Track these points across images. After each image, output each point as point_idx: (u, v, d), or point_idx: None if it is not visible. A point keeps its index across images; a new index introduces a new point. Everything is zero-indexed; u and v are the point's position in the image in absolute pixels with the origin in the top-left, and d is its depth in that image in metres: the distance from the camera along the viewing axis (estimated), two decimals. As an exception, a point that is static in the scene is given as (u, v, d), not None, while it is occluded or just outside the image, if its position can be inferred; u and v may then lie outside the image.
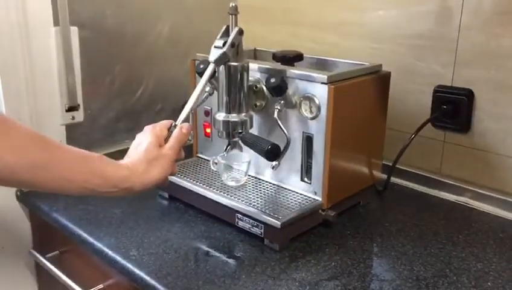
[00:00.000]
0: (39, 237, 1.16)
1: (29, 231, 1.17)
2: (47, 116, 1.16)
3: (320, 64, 1.09)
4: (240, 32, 0.87)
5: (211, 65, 0.87)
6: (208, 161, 1.11)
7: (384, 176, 1.11)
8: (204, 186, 1.00)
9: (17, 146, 0.63)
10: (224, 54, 0.86)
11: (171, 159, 0.77)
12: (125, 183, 0.72)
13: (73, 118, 1.20)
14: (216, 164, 1.01)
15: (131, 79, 1.32)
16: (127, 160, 0.75)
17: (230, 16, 0.88)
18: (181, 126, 0.81)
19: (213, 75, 0.94)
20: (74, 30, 1.15)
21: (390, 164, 1.10)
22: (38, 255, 1.09)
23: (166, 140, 0.79)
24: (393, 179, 1.15)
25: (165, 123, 0.81)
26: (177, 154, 0.79)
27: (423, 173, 1.16)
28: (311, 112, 0.92)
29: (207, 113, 1.11)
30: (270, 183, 1.02)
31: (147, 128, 0.80)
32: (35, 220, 1.15)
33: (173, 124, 0.81)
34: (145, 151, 0.75)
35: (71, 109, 1.19)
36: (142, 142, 0.77)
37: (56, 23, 1.12)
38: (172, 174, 0.79)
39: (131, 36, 1.29)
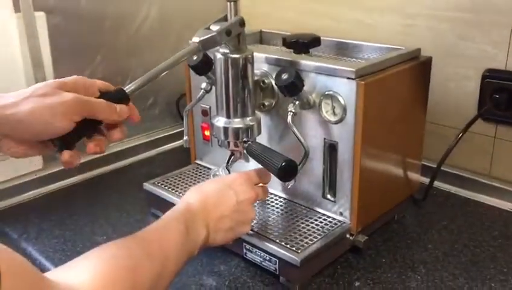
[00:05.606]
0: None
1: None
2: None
3: (341, 48, 0.91)
4: (241, 23, 0.69)
5: (193, 44, 0.67)
6: (208, 168, 0.93)
7: (424, 180, 0.92)
8: (203, 206, 0.82)
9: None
10: (213, 38, 0.66)
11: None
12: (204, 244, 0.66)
13: (45, 121, 1.01)
14: (217, 176, 0.83)
15: (115, 71, 1.12)
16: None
17: (229, 3, 0.69)
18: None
19: (210, 67, 0.78)
20: (41, 16, 0.96)
21: (430, 165, 0.91)
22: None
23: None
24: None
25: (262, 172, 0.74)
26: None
27: (469, 175, 0.98)
28: (334, 114, 0.72)
29: (205, 112, 0.92)
30: (285, 200, 0.83)
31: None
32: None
33: (122, 88, 0.63)
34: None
35: (43, 111, 1.00)
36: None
37: (17, 9, 0.92)
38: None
39: (113, 21, 1.10)
